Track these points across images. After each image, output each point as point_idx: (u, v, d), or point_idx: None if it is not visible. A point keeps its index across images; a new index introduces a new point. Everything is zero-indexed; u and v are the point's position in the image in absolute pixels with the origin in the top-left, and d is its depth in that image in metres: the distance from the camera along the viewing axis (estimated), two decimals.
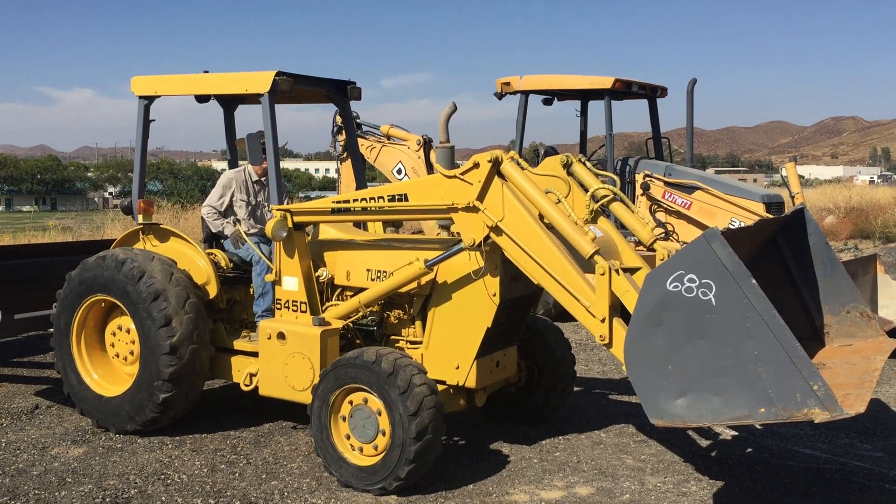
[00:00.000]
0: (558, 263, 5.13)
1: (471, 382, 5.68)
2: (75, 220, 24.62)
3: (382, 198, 5.74)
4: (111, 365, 6.61)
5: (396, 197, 5.69)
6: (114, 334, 6.53)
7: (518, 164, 5.47)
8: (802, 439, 6.35)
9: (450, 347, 5.69)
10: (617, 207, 5.78)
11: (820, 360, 5.11)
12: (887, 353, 4.99)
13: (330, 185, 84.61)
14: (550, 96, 12.58)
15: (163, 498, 5.17)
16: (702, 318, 4.16)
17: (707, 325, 4.16)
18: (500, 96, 12.20)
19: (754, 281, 4.07)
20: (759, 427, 6.63)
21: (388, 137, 12.08)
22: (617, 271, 4.96)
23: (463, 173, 5.41)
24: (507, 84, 12.13)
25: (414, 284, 5.73)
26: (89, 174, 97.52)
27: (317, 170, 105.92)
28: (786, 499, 5.20)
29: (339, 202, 5.98)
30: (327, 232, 6.67)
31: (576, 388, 7.25)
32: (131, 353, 6.40)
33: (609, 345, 4.99)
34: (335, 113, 11.17)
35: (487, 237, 5.35)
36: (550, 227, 5.30)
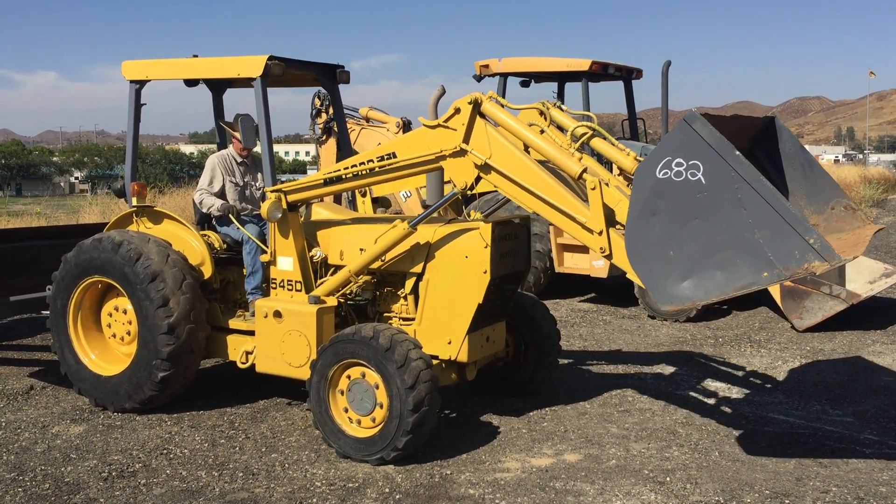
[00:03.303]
0: (549, 188, 5.30)
1: (462, 357, 5.87)
2: (45, 205, 24.34)
3: (372, 160, 5.87)
4: (108, 345, 6.72)
5: (385, 157, 5.82)
6: (110, 315, 6.64)
7: (498, 102, 5.63)
8: (777, 406, 6.65)
9: (442, 323, 5.88)
10: (597, 143, 5.87)
11: None
12: (874, 231, 5.16)
13: (300, 168, 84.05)
14: (528, 78, 12.78)
15: (167, 471, 5.33)
16: (694, 198, 4.27)
17: (700, 204, 4.26)
18: (478, 79, 12.38)
19: (738, 152, 4.14)
20: (735, 396, 6.92)
21: (368, 120, 12.19)
22: (607, 184, 5.12)
23: (446, 121, 5.58)
24: (486, 66, 12.31)
25: (408, 264, 5.89)
26: (54, 159, 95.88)
27: (286, 153, 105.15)
28: (763, 462, 5.49)
29: (330, 173, 6.10)
30: (319, 213, 6.82)
31: (560, 362, 7.48)
32: (128, 333, 6.52)
33: (610, 256, 5.11)
34: (314, 95, 11.22)
35: (479, 177, 5.51)
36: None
